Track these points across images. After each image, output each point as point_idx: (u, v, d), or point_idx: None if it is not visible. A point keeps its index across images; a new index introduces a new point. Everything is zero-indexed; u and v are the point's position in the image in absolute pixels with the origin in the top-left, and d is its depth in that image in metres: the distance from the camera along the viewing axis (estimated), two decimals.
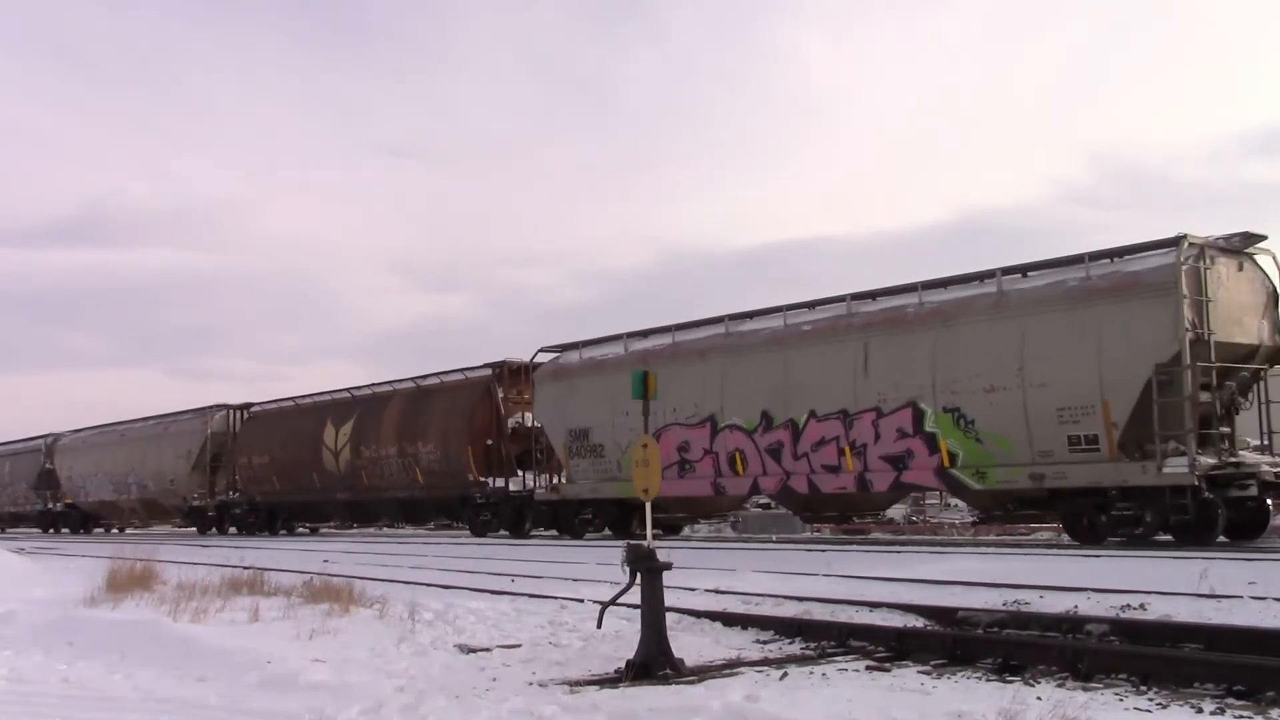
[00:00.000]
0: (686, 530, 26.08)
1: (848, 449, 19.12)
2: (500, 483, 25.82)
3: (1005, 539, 21.87)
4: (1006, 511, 18.54)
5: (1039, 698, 5.63)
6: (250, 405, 36.32)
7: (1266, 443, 16.57)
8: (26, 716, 6.33)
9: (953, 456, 17.81)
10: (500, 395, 26.29)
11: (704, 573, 12.16)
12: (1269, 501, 16.31)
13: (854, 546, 18.57)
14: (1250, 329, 16.34)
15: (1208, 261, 15.88)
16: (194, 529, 37.04)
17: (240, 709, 6.28)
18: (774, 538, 22.99)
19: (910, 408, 18.27)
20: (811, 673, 6.82)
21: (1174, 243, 15.85)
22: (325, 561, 16.84)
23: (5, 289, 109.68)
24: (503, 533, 26.00)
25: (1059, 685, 6.19)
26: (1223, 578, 9.73)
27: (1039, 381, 16.71)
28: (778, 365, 20.32)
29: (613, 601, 7.33)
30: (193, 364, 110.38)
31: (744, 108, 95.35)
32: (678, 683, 6.53)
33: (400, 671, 7.11)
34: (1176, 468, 15.36)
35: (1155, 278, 15.81)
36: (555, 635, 8.55)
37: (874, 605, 9.45)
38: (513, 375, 26.36)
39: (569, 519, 24.54)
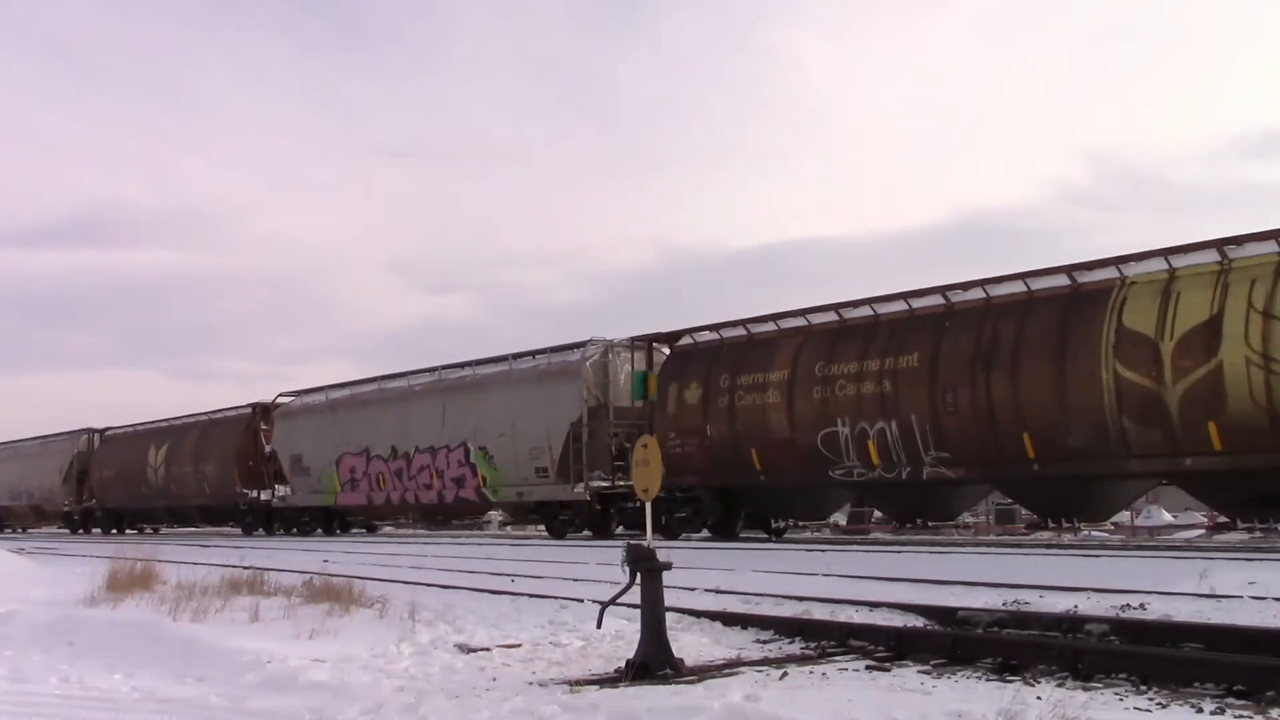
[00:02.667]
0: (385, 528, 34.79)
1: (435, 473, 27.90)
2: (255, 494, 34.71)
3: (1005, 539, 21.99)
4: (522, 515, 28.61)
5: (1039, 697, 5.63)
6: (107, 429, 44.15)
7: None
8: (26, 717, 6.33)
9: (485, 479, 26.53)
10: (261, 427, 35.07)
11: (704, 572, 12.16)
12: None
13: (854, 547, 18.58)
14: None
15: (612, 355, 24.54)
16: (67, 530, 44.50)
17: (240, 709, 6.28)
18: (774, 536, 23.13)
19: (464, 446, 27.06)
20: (811, 672, 6.82)
21: (583, 344, 24.80)
22: (325, 561, 16.86)
23: (5, 289, 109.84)
24: (259, 531, 34.31)
25: (1059, 685, 6.18)
26: (1223, 578, 9.74)
27: (521, 431, 25.49)
28: (402, 414, 29.33)
29: (612, 601, 7.32)
30: (193, 364, 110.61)
31: (743, 109, 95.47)
32: (677, 682, 6.52)
33: (400, 671, 7.11)
34: (578, 488, 24.02)
35: (570, 367, 24.77)
36: (555, 635, 8.55)
37: (874, 605, 9.45)
38: (266, 412, 35.23)
39: (296, 521, 33.57)
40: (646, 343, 24.08)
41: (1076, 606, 8.78)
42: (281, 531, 33.45)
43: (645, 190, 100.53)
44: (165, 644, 8.28)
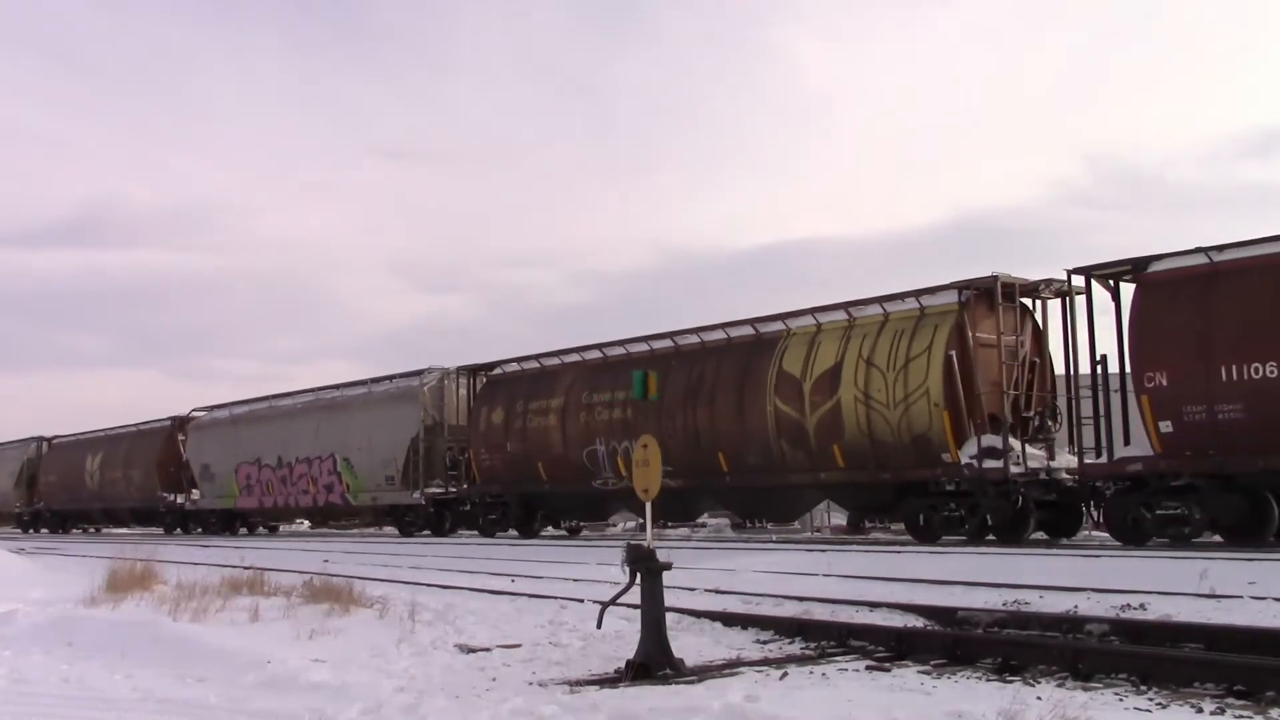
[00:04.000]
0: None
1: (311, 480, 31.94)
2: (174, 498, 38.33)
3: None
4: (380, 517, 31.63)
5: (1039, 697, 5.63)
6: (54, 438, 47.67)
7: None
8: (26, 716, 6.33)
9: (348, 486, 30.56)
10: (179, 439, 38.73)
11: (704, 573, 12.17)
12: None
13: (854, 547, 18.59)
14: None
15: (447, 381, 28.79)
16: (19, 530, 47.73)
17: (240, 709, 6.28)
18: (774, 537, 23.21)
19: (332, 457, 31.07)
20: (811, 672, 6.82)
21: (421, 372, 28.81)
22: (325, 561, 16.86)
23: (5, 289, 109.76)
24: (177, 531, 38.39)
25: (1059, 685, 6.19)
26: (1223, 578, 9.73)
27: (375, 444, 29.56)
28: (286, 429, 33.49)
29: (613, 601, 7.32)
30: (193, 364, 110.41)
31: (742, 109, 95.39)
32: (678, 682, 6.52)
33: (400, 671, 7.11)
34: (417, 494, 28.16)
35: (411, 391, 28.87)
36: (555, 635, 8.55)
37: (874, 605, 9.46)
38: (184, 425, 39.00)
39: (205, 522, 37.91)
40: (470, 372, 28.66)
41: (1076, 606, 8.79)
42: (199, 531, 37.73)
43: (644, 190, 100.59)
44: (165, 644, 8.28)
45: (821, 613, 9.19)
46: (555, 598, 10.78)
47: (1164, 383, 16.04)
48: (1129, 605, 8.71)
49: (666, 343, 23.50)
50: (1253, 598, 8.85)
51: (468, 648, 7.98)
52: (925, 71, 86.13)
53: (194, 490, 37.51)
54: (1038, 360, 19.38)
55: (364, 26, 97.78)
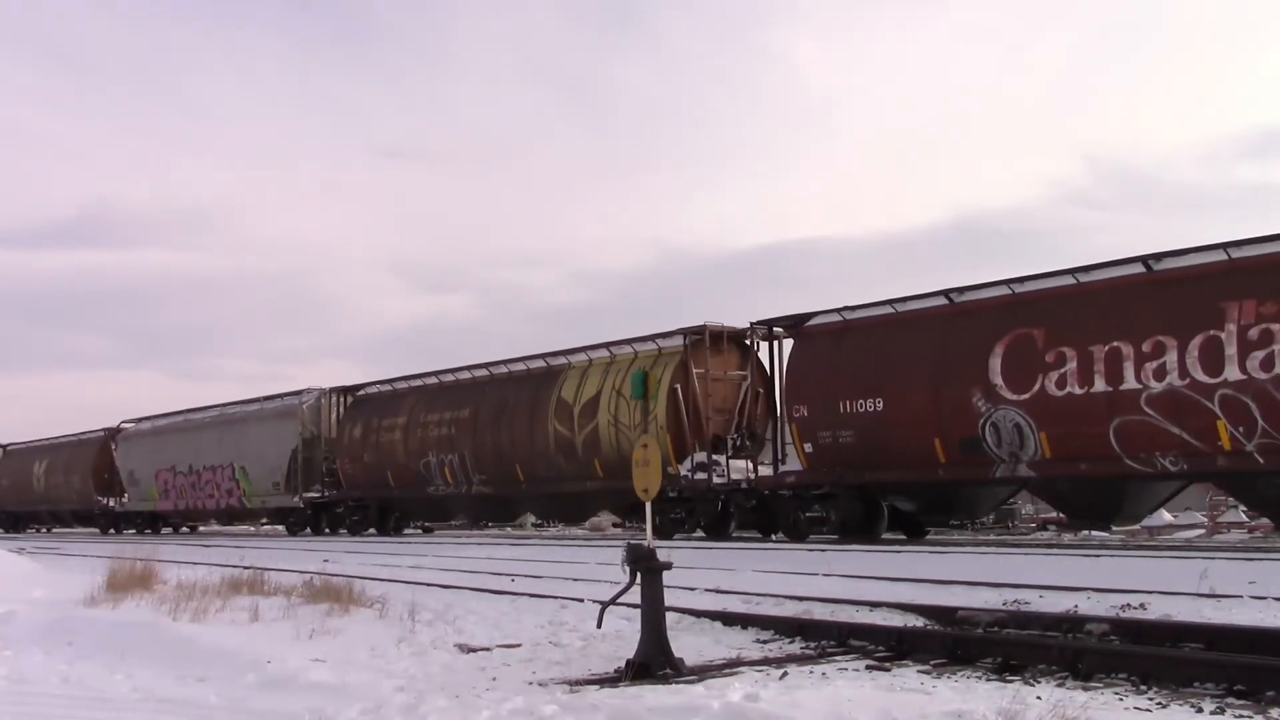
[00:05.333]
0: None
1: (215, 486, 36.43)
2: (107, 501, 43.18)
3: (1005, 539, 22.19)
4: (270, 518, 36.61)
5: (1039, 697, 5.63)
6: (9, 445, 52.23)
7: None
8: (26, 716, 6.33)
9: (245, 491, 35.28)
10: (112, 447, 43.40)
11: (704, 572, 12.17)
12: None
13: (854, 546, 18.61)
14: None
15: (324, 399, 33.58)
16: None
17: (240, 709, 6.28)
18: (773, 536, 23.24)
19: (231, 466, 35.66)
20: (811, 672, 6.82)
21: (300, 392, 33.76)
22: (325, 561, 16.86)
23: (5, 289, 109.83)
24: (111, 530, 42.62)
25: (1059, 685, 6.19)
26: (1223, 578, 9.73)
27: (264, 455, 33.99)
28: (196, 439, 37.86)
29: (612, 601, 7.32)
30: (193, 364, 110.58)
31: (741, 110, 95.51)
32: (678, 682, 6.52)
33: (400, 671, 7.11)
34: (296, 498, 33.14)
35: (292, 409, 33.66)
36: (555, 635, 8.55)
37: (874, 605, 9.45)
38: (115, 435, 43.41)
39: (133, 522, 42.46)
40: (341, 392, 33.57)
41: (1076, 606, 8.78)
42: (132, 531, 41.45)
43: (644, 190, 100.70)
44: (165, 644, 8.28)
45: (821, 612, 9.19)
46: (555, 597, 10.78)
47: (806, 414, 20.53)
48: (1129, 605, 8.71)
49: (484, 372, 28.60)
50: (1253, 597, 8.84)
51: (468, 647, 7.98)
52: (924, 72, 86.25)
53: (125, 495, 42.13)
54: (761, 390, 23.49)
55: (364, 27, 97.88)
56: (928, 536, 21.77)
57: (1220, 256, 16.11)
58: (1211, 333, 15.71)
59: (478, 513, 30.70)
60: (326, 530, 32.78)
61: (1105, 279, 17.38)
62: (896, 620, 8.67)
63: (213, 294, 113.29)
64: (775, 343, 22.06)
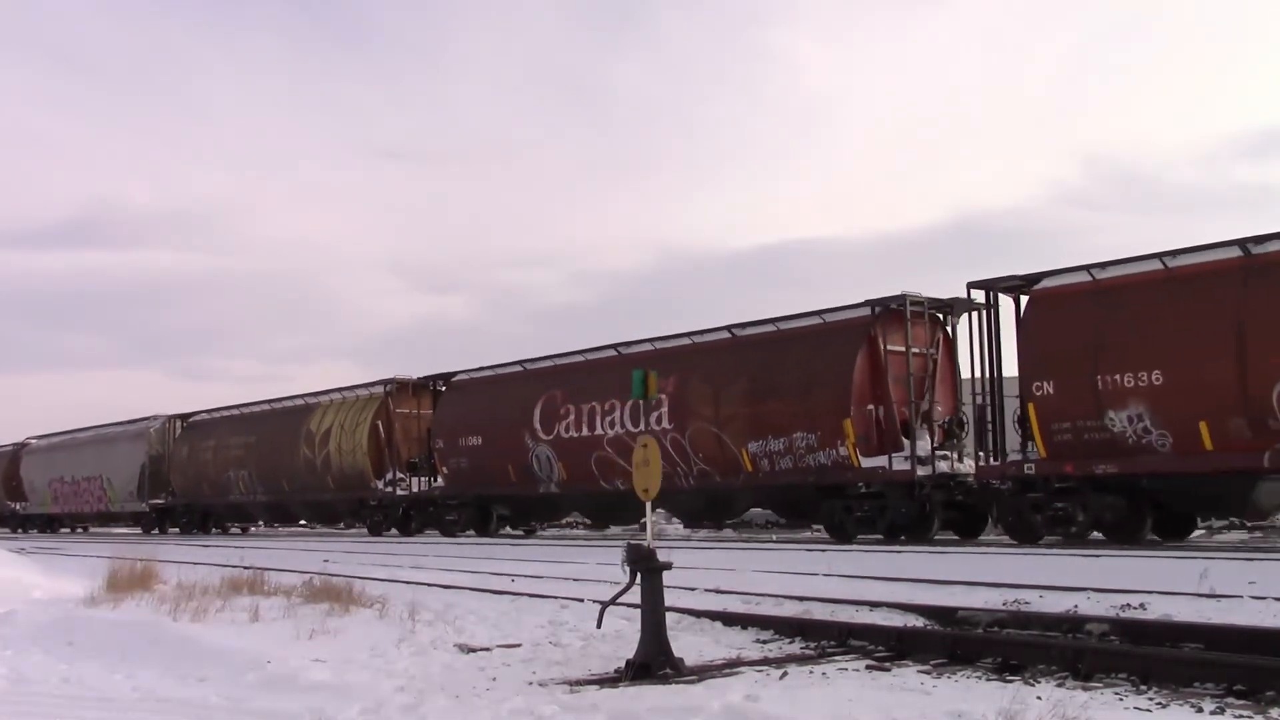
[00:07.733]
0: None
1: (90, 493, 43.01)
2: (16, 505, 49.70)
3: (1004, 539, 22.08)
4: (131, 521, 43.03)
5: (1039, 697, 5.63)
6: None
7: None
8: (26, 716, 6.33)
9: (111, 498, 42.06)
10: (22, 458, 49.79)
11: (704, 572, 12.16)
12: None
13: (854, 546, 18.61)
14: None
15: (168, 423, 40.92)
16: None
17: (240, 709, 6.28)
18: (774, 536, 23.24)
19: (101, 476, 42.18)
20: (811, 672, 6.82)
21: (149, 419, 41.26)
22: (325, 561, 16.86)
23: (5, 290, 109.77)
24: (19, 530, 48.60)
25: (1059, 685, 6.19)
26: (1223, 578, 9.73)
27: (123, 468, 41.19)
28: (78, 454, 44.18)
29: (613, 601, 7.32)
30: (193, 364, 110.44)
31: (741, 110, 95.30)
32: (678, 682, 6.52)
33: (400, 671, 7.11)
34: (145, 505, 40.29)
35: (143, 431, 41.00)
36: (555, 635, 8.55)
37: (874, 605, 9.45)
38: (23, 449, 50.37)
39: (35, 524, 48.42)
40: (179, 418, 40.90)
41: (1076, 606, 8.78)
42: (35, 531, 47.74)
43: (644, 191, 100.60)
44: (165, 644, 8.28)
45: (821, 612, 9.19)
46: (555, 597, 10.78)
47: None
48: (1129, 605, 8.70)
49: (266, 406, 36.90)
50: (1253, 598, 8.84)
51: (468, 647, 7.98)
52: (924, 72, 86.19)
53: (28, 500, 49.60)
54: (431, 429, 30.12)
55: (363, 27, 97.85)
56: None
57: None
58: None
59: (265, 516, 38.60)
60: (172, 530, 40.31)
61: None
62: (896, 620, 8.67)
63: (213, 294, 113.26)
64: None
